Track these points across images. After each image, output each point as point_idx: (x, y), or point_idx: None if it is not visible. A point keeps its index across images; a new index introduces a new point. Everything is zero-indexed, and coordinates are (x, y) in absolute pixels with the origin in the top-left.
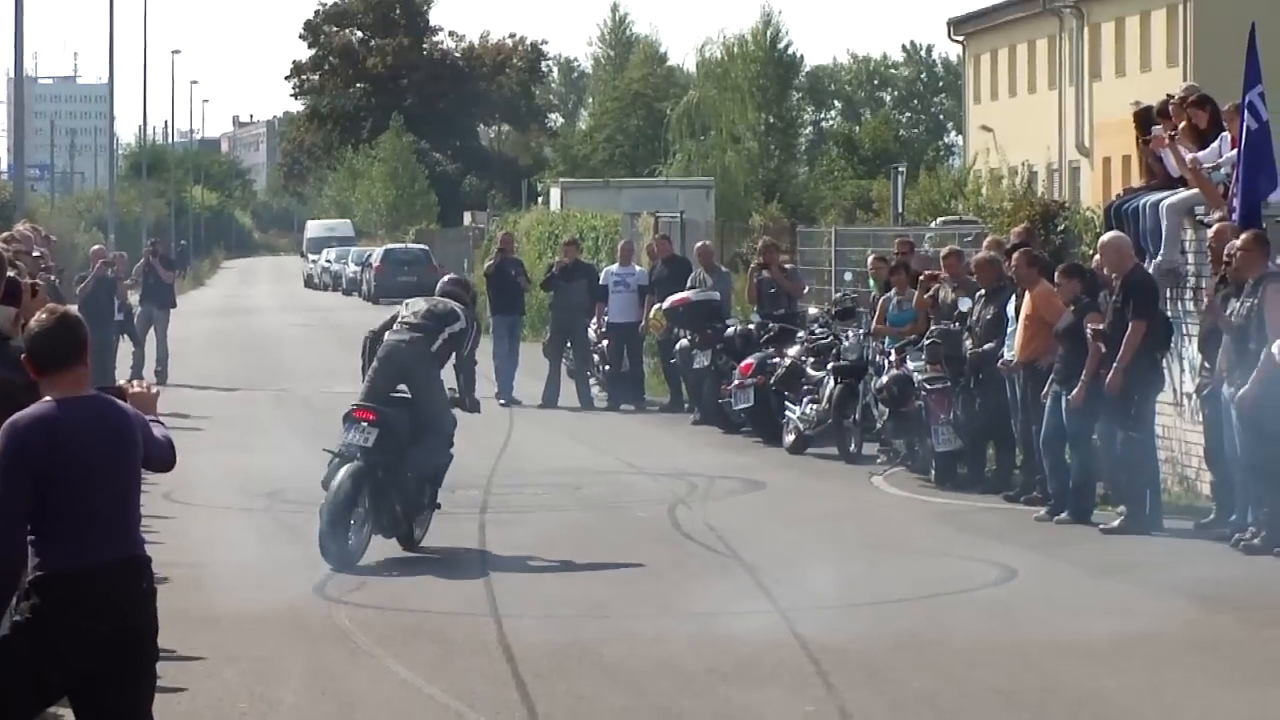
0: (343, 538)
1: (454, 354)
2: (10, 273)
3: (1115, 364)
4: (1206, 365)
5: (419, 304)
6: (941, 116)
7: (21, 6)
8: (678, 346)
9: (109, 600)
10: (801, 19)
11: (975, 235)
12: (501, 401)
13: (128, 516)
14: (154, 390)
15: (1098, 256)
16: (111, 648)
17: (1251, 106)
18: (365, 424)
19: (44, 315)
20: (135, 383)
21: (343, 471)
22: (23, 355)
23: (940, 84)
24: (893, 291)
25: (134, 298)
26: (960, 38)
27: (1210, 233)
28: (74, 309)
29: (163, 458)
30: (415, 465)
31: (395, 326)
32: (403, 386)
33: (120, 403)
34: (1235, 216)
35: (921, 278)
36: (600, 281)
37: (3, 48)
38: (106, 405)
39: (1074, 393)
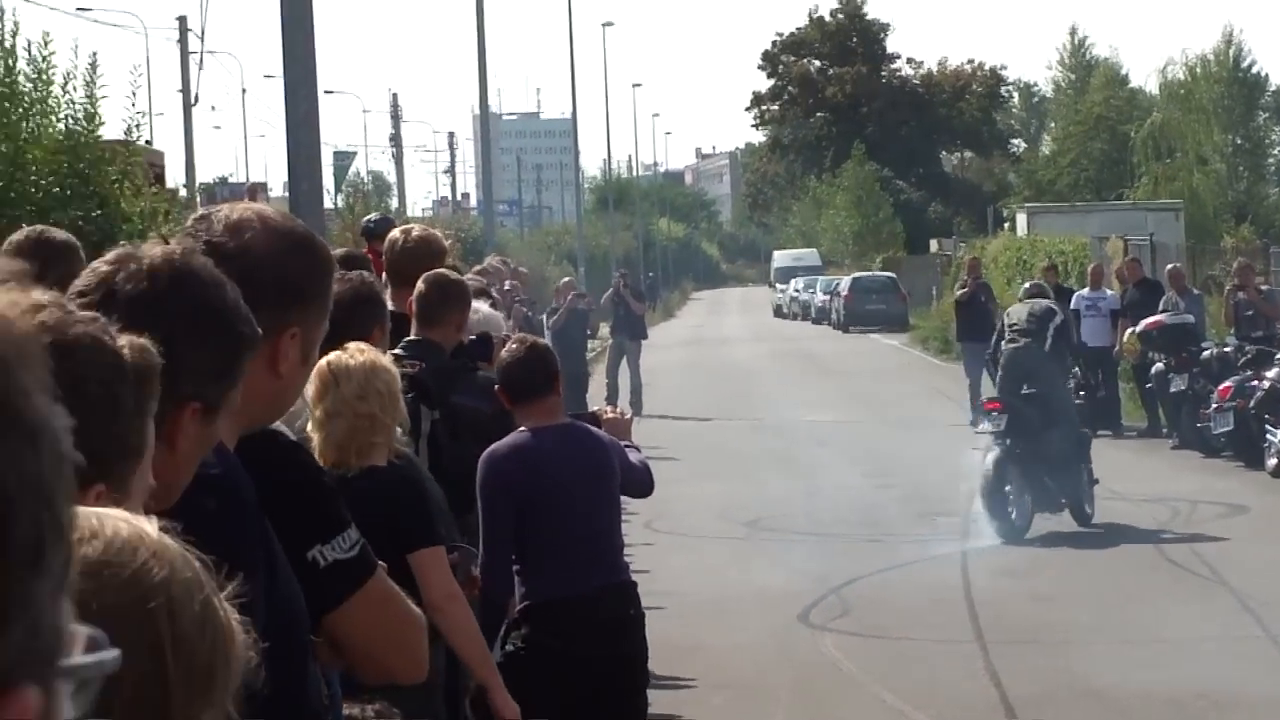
0: (1002, 514)
1: (1066, 344)
2: (484, 302)
3: None
4: None
5: (1019, 311)
6: None
7: (484, 46)
8: (1153, 370)
9: (599, 627)
10: (1265, 38)
11: None
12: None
13: (610, 542)
14: (628, 417)
15: None
16: (603, 673)
17: None
18: (995, 414)
19: (515, 345)
20: (609, 409)
21: (987, 458)
22: (495, 386)
23: None
24: None
25: (604, 329)
26: None
27: None
28: (544, 340)
29: (640, 482)
30: (1053, 446)
31: (1008, 336)
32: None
33: (595, 429)
34: None
35: None
36: (1071, 306)
37: (468, 86)
38: (581, 432)
39: None
